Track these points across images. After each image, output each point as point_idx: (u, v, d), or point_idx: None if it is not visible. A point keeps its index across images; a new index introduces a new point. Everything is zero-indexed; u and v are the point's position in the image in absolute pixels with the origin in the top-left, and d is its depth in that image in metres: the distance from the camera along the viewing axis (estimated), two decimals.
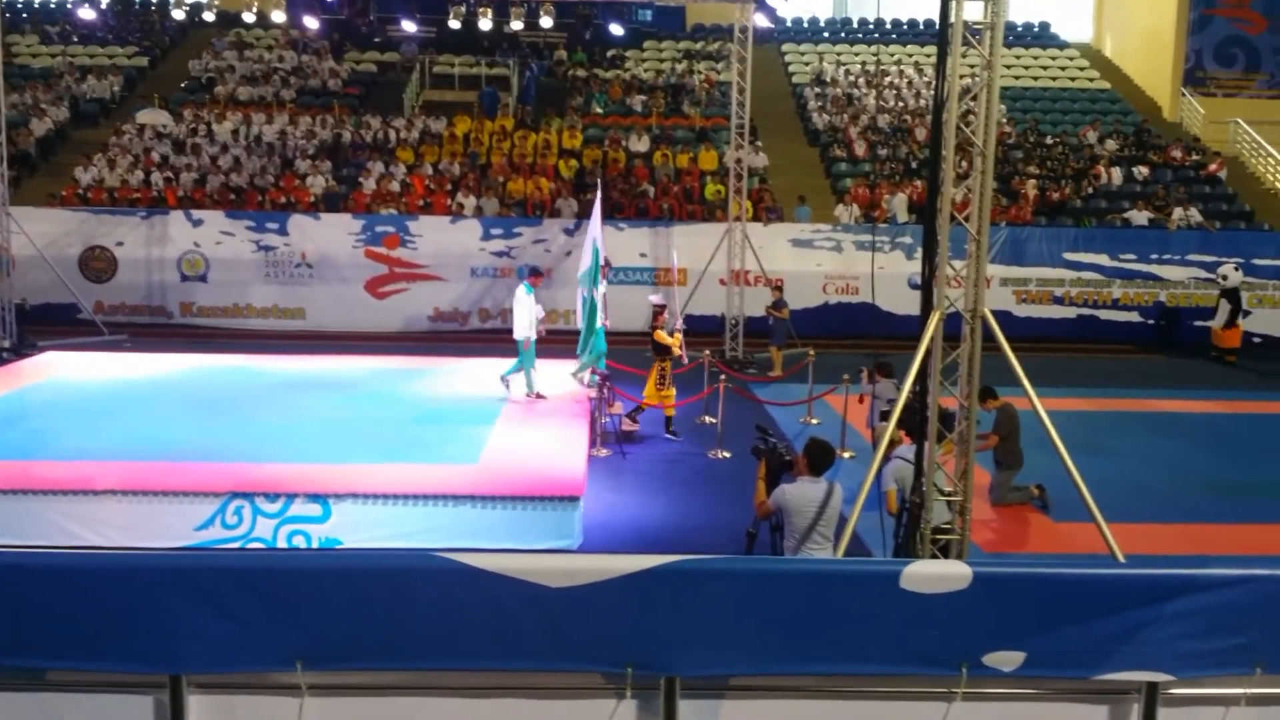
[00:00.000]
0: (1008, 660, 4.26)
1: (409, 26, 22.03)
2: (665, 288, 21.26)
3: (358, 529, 10.05)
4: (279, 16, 20.44)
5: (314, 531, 10.07)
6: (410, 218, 21.14)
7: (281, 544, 9.94)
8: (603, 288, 14.65)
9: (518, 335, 13.97)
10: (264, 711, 4.18)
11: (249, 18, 20.41)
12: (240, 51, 27.76)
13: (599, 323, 14.28)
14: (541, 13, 18.81)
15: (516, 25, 19.84)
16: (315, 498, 10.06)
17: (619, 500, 11.58)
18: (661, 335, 13.97)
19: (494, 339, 20.33)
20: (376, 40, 28.39)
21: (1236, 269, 20.95)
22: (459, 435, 11.99)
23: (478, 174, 22.94)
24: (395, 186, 22.36)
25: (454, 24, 20.12)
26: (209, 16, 23.81)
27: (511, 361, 14.10)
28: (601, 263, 14.51)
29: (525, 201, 22.19)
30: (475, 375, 15.13)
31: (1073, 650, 4.26)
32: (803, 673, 4.22)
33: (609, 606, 4.05)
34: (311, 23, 23.41)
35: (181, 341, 18.71)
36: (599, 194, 16.42)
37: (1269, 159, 26.47)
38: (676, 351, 14.14)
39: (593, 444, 12.97)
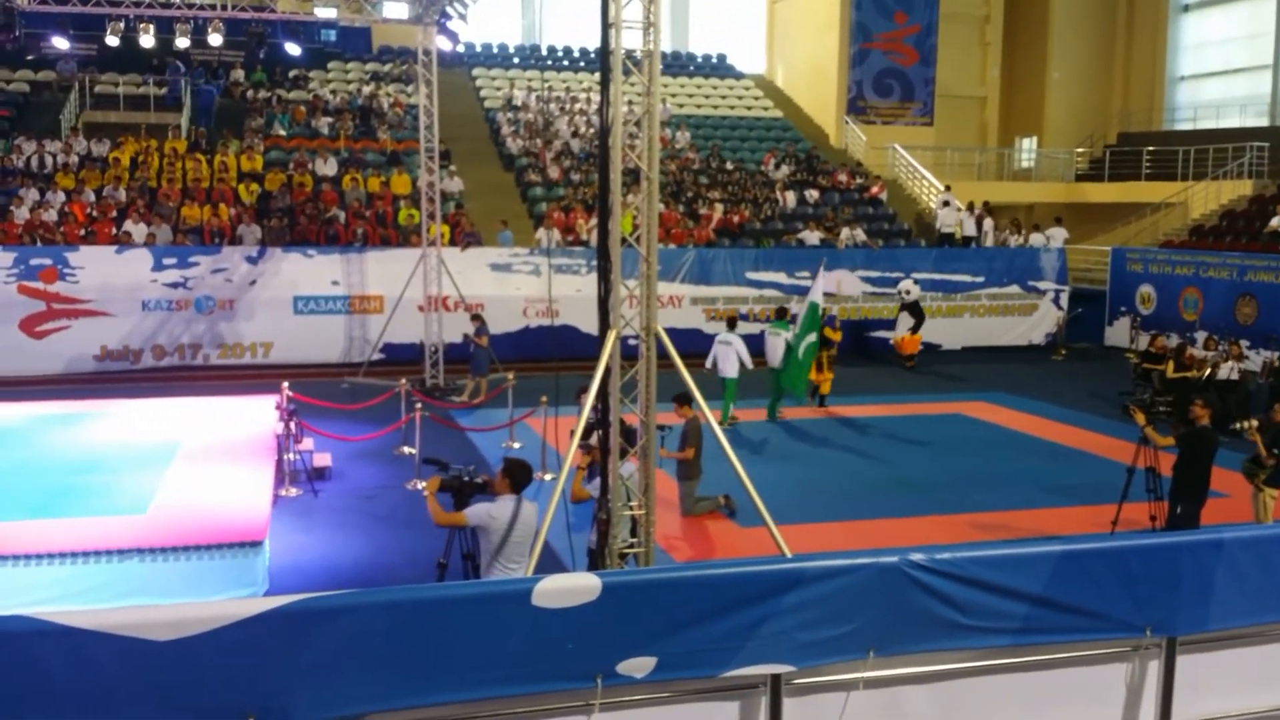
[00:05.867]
0: (640, 666, 4.35)
1: (61, 43, 20.18)
2: (362, 316, 20.71)
3: (7, 594, 9.00)
4: None
5: None
6: (70, 248, 19.36)
7: None
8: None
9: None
10: None
11: None
12: None
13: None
14: (209, 30, 17.77)
15: (183, 43, 18.66)
16: None
17: (310, 541, 11.08)
18: (829, 330, 18.20)
19: (170, 378, 19.01)
20: (30, 58, 25.94)
21: (915, 283, 22.90)
22: (126, 484, 11.05)
23: (147, 200, 21.38)
24: (52, 215, 20.45)
25: (112, 40, 18.66)
26: None
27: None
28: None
29: (202, 228, 20.90)
30: (148, 417, 14.03)
31: (700, 650, 4.42)
32: (439, 702, 4.12)
33: (225, 656, 3.78)
34: None
35: None
36: (821, 266, 18.30)
37: (923, 181, 29.15)
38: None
39: (280, 483, 12.33)
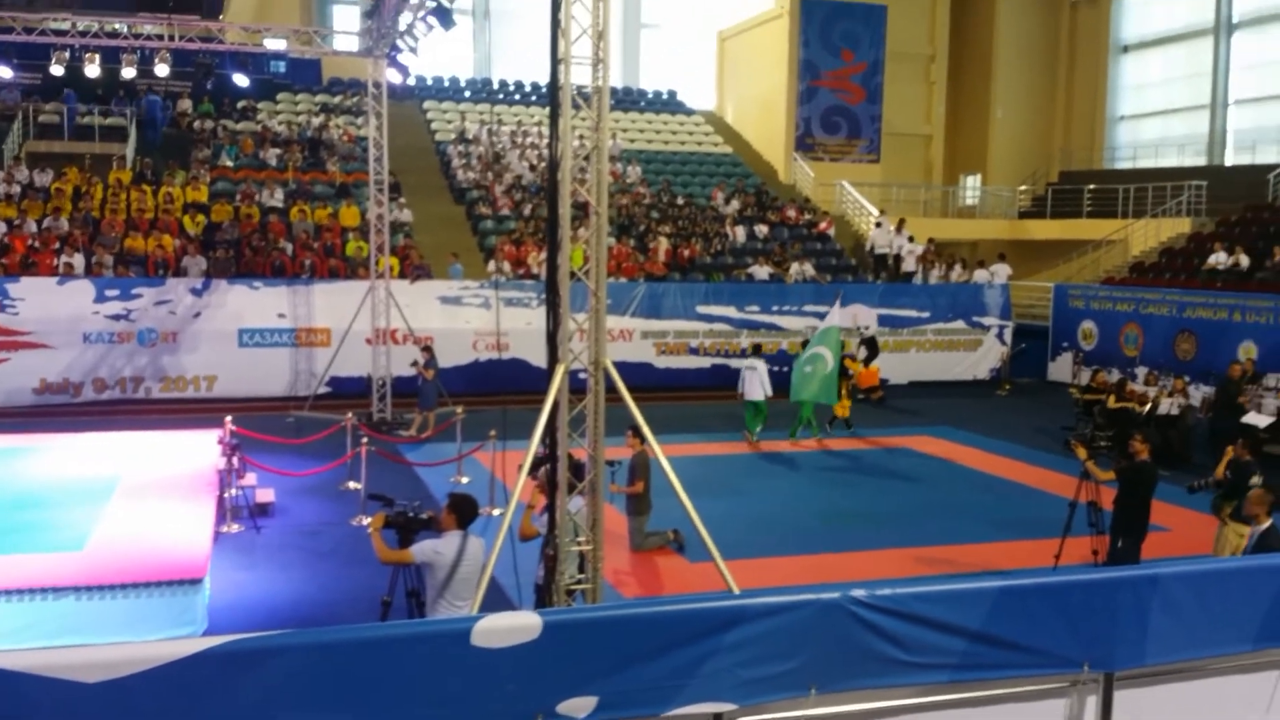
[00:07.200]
0: (581, 706, 4.32)
1: (4, 72, 19.90)
2: (308, 349, 20.49)
3: None
4: None
5: None
6: (10, 279, 19.01)
7: None
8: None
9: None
10: None
11: None
12: None
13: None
14: (156, 60, 17.61)
15: (129, 73, 18.47)
16: None
17: (251, 578, 10.88)
18: (849, 362, 19.35)
19: (111, 411, 18.66)
20: None
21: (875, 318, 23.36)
22: (62, 520, 10.82)
23: (89, 230, 21.07)
24: None
25: (56, 70, 18.44)
26: None
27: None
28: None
29: (146, 260, 20.61)
30: (87, 452, 13.77)
31: (641, 689, 4.39)
32: None
33: (158, 698, 3.70)
34: None
35: None
36: (838, 301, 18.99)
37: (869, 217, 29.53)
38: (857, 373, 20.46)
39: (222, 520, 12.12)
